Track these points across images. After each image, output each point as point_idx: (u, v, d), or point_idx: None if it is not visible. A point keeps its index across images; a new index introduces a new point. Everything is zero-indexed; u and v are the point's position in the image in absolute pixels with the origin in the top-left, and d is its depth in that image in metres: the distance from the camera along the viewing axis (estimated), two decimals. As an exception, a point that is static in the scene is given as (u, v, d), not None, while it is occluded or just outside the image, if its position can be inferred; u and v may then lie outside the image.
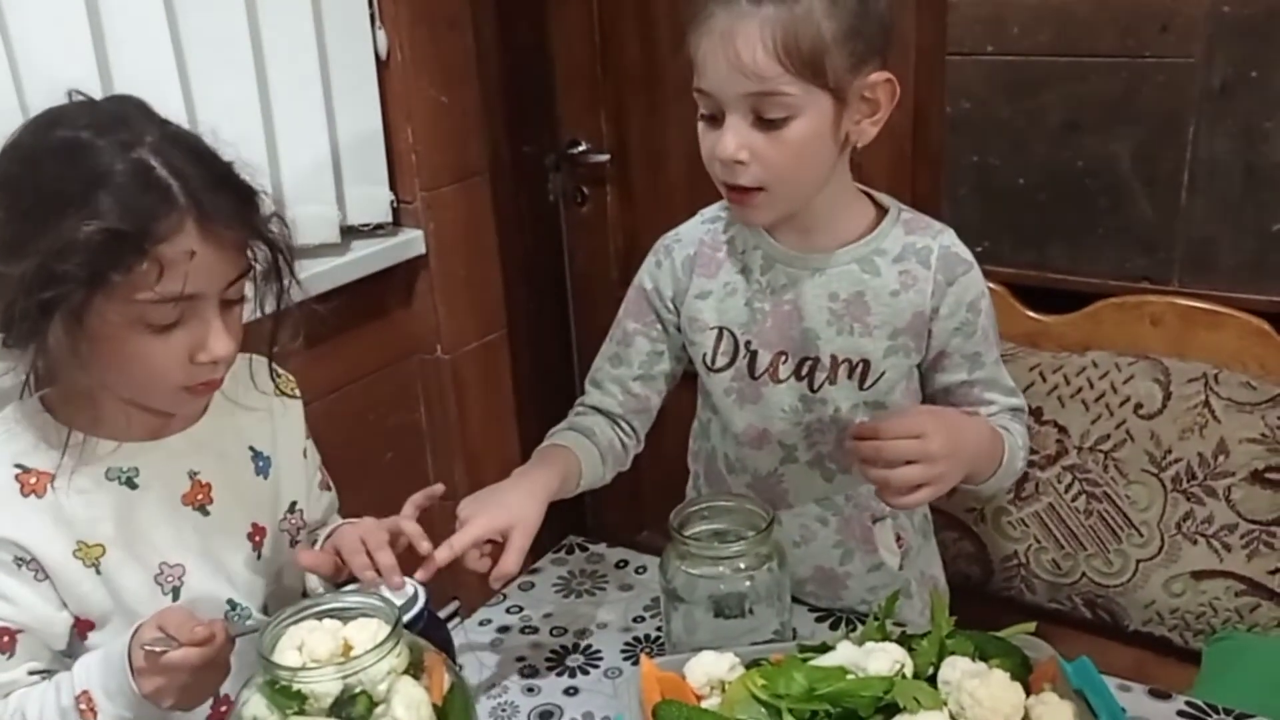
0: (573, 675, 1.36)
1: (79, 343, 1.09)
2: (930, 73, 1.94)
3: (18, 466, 1.16)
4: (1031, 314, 1.89)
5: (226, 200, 1.11)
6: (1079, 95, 1.90)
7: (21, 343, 1.10)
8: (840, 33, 1.21)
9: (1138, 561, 1.80)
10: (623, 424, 1.50)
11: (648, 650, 1.38)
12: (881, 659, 1.06)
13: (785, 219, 1.35)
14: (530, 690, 1.34)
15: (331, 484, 1.48)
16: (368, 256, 2.10)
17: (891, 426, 1.21)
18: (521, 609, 1.49)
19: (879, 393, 1.38)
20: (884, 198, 1.41)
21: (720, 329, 1.43)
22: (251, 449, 1.33)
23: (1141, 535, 1.79)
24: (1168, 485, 1.76)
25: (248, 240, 1.15)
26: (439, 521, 2.40)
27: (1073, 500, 1.83)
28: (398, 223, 2.18)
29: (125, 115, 1.13)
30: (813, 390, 1.40)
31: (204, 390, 1.19)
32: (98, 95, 1.63)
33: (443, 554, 1.23)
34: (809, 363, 1.39)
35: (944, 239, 1.38)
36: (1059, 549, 1.86)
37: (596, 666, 1.37)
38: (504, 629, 1.45)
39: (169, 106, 1.73)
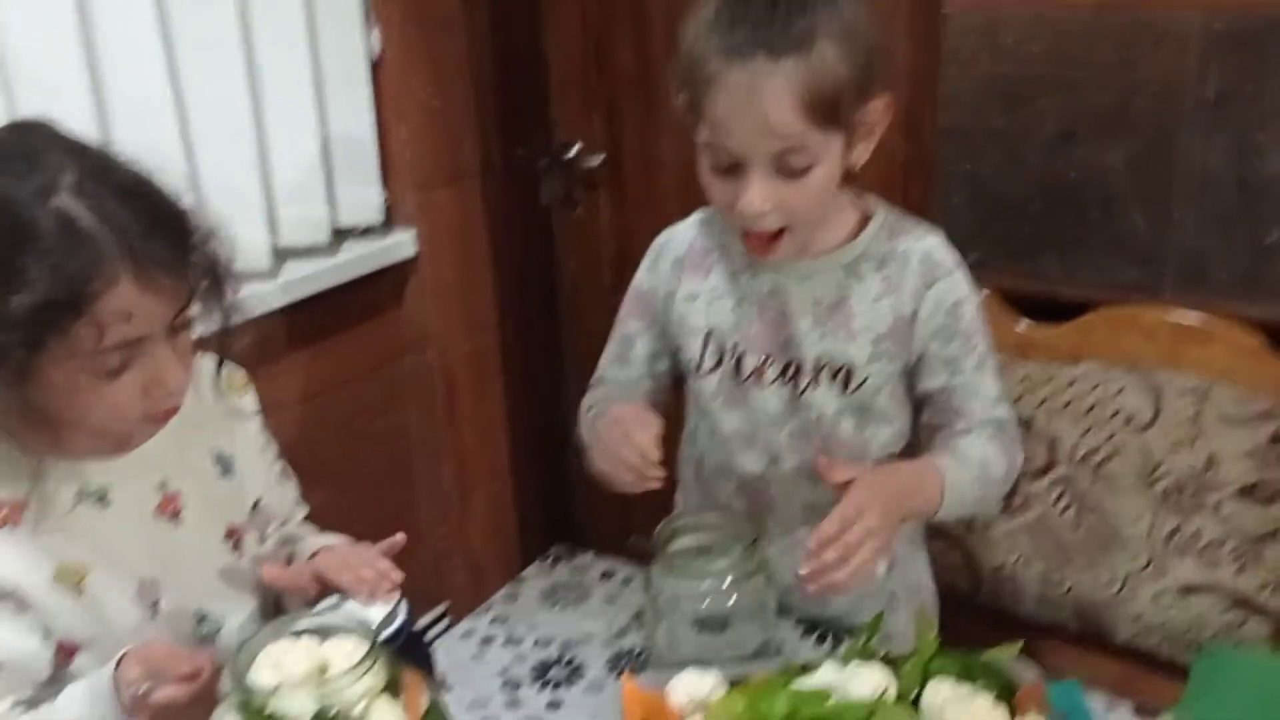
0: (556, 689, 1.35)
1: (26, 398, 1.06)
2: (923, 82, 1.93)
3: None
4: (1022, 324, 1.87)
5: (161, 244, 1.05)
6: (1072, 106, 1.88)
7: None
8: (853, 73, 1.21)
9: (1126, 575, 1.80)
10: None
11: (631, 665, 1.37)
12: (865, 682, 1.05)
13: None
14: (512, 704, 1.33)
15: (291, 472, 1.46)
16: (358, 258, 2.09)
17: (832, 524, 1.18)
18: (506, 620, 1.48)
19: (864, 397, 1.38)
20: (872, 202, 1.40)
21: (708, 331, 1.43)
22: (214, 452, 1.31)
23: (1131, 549, 1.79)
24: (1158, 499, 1.75)
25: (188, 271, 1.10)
26: (425, 523, 2.40)
27: (1062, 512, 1.82)
28: (389, 224, 2.18)
29: (34, 150, 1.05)
30: (797, 394, 1.40)
31: (165, 417, 1.16)
32: (87, 95, 1.64)
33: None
34: (793, 366, 1.39)
35: (927, 242, 1.38)
36: (1047, 561, 1.85)
37: (580, 680, 1.37)
38: (487, 640, 1.45)
39: (158, 106, 1.75)
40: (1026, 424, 1.82)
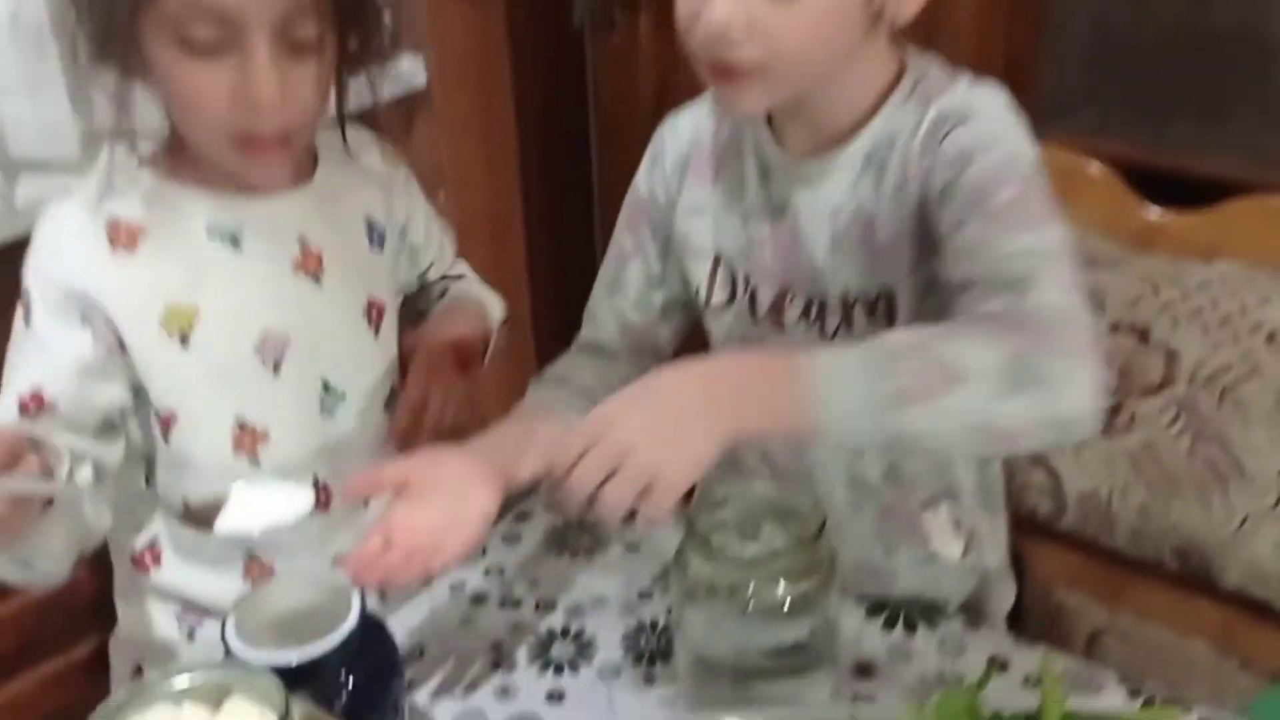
0: (559, 673, 1.10)
1: (137, 69, 1.01)
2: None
3: (109, 217, 1.07)
4: (1146, 207, 1.55)
5: None
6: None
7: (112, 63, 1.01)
8: None
9: (1247, 514, 1.52)
10: (623, 364, 1.22)
11: (652, 652, 1.12)
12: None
13: (787, 108, 1.04)
14: (504, 692, 1.08)
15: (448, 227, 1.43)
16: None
17: (565, 449, 0.87)
18: (503, 572, 1.23)
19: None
20: (913, 60, 1.05)
21: (716, 256, 1.15)
22: (366, 218, 1.23)
23: (1255, 485, 1.51)
24: (1296, 432, 1.47)
25: None
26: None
27: (1175, 438, 1.54)
28: (394, 47, 1.89)
29: None
30: (828, 338, 1.09)
31: (257, 151, 1.04)
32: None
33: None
34: (818, 302, 1.09)
35: (961, 96, 1.00)
36: (1150, 492, 1.57)
37: (589, 661, 1.11)
38: (479, 599, 1.19)
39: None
40: (1142, 332, 1.52)
